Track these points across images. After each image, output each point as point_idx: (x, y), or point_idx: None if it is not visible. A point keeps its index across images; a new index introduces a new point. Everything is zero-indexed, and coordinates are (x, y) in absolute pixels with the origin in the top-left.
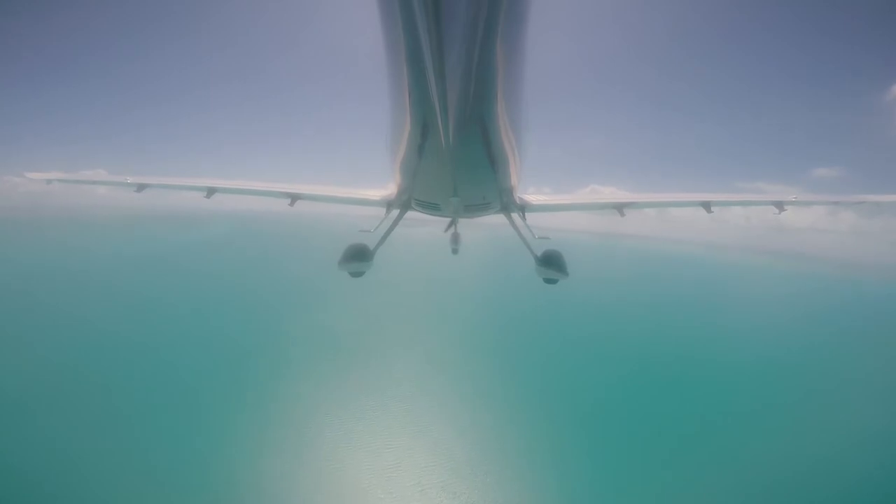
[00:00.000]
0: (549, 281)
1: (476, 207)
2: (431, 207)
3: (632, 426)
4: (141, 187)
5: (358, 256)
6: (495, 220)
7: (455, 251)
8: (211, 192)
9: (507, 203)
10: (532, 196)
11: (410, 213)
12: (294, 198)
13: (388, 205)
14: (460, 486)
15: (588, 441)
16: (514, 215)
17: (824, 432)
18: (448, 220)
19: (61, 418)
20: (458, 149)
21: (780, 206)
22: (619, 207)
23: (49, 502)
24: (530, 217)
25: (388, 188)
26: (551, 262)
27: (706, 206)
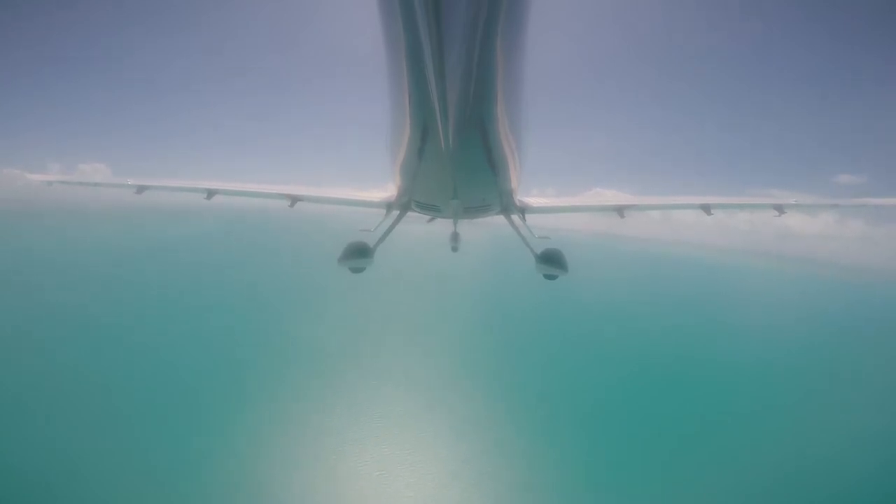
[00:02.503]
0: (549, 277)
1: (476, 209)
2: (431, 209)
3: (632, 426)
4: (141, 189)
5: (358, 254)
6: (495, 218)
7: (455, 249)
8: (211, 193)
9: (507, 205)
10: (532, 198)
11: (411, 211)
12: (294, 200)
13: (389, 206)
14: (459, 485)
15: (588, 441)
16: (514, 217)
17: (825, 433)
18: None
19: (61, 416)
20: (458, 151)
21: (779, 209)
22: (619, 210)
23: (49, 502)
24: (530, 218)
25: (388, 190)
26: (551, 259)
27: (706, 208)
